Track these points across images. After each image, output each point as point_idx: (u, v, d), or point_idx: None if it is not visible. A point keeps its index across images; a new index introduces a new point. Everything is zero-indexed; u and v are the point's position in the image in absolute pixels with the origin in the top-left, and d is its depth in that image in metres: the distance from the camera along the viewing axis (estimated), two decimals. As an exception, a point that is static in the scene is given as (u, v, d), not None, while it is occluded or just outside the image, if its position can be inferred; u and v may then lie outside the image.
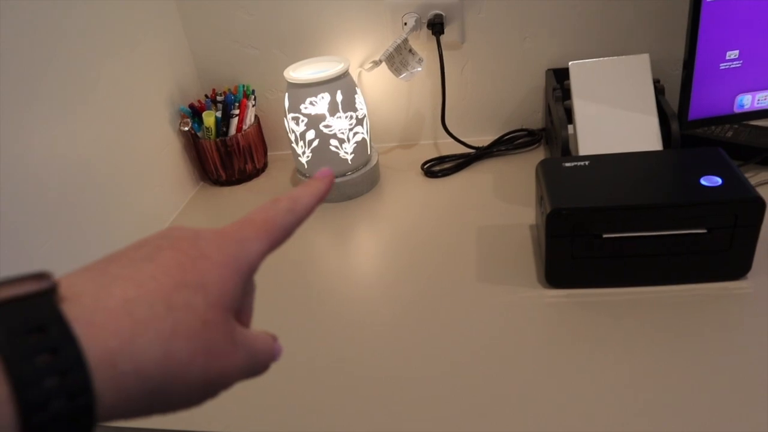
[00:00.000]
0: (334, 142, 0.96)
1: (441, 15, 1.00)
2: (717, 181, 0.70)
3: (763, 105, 0.86)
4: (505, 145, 1.08)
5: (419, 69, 1.03)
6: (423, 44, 1.04)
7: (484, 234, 0.87)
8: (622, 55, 0.90)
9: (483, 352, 0.68)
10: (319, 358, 0.70)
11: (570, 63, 0.90)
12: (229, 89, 1.08)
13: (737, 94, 0.85)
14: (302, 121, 0.94)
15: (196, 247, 0.30)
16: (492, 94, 1.09)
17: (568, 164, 0.77)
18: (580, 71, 0.90)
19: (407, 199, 0.99)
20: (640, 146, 0.84)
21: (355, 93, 0.97)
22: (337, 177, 0.99)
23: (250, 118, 1.08)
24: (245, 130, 1.07)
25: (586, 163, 0.77)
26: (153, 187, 0.99)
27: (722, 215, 0.69)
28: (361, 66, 1.08)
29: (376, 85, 1.10)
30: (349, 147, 0.97)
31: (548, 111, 1.01)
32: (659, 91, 0.90)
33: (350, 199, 1.00)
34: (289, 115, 0.96)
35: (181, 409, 0.29)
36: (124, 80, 0.92)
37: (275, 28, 1.07)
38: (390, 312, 0.76)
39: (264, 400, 0.66)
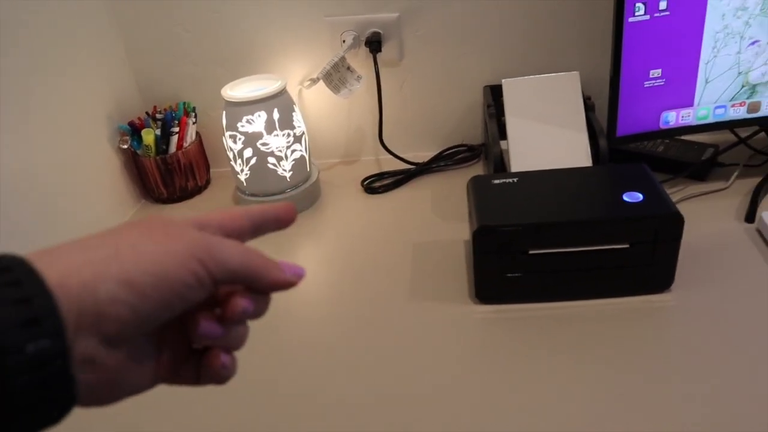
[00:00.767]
0: (272, 159, 0.95)
1: (378, 33, 1.01)
2: (638, 197, 0.72)
3: (687, 122, 0.88)
4: (445, 161, 1.09)
5: (358, 86, 1.03)
6: (362, 62, 1.05)
7: (421, 250, 0.88)
8: (555, 72, 0.92)
9: (412, 370, 0.68)
10: (249, 378, 0.70)
11: (503, 80, 0.92)
12: (171, 106, 1.07)
13: (662, 111, 0.87)
14: (239, 139, 0.94)
15: (160, 219, 0.35)
16: (432, 109, 1.10)
17: (497, 181, 0.78)
18: (512, 88, 0.91)
19: (347, 215, 0.99)
20: (570, 162, 0.86)
21: (293, 111, 0.97)
22: (275, 194, 0.98)
23: (191, 136, 1.07)
24: (186, 148, 1.06)
25: (515, 180, 0.78)
26: (93, 204, 0.97)
27: (643, 230, 0.70)
28: (300, 83, 1.08)
29: (316, 102, 1.10)
30: (287, 164, 0.97)
31: (486, 126, 1.03)
32: (589, 107, 0.92)
33: (290, 217, 1.00)
34: (227, 133, 0.96)
35: (184, 279, 0.32)
36: (62, 98, 0.91)
37: (215, 46, 1.06)
38: (325, 331, 0.76)
39: (185, 419, 0.65)
